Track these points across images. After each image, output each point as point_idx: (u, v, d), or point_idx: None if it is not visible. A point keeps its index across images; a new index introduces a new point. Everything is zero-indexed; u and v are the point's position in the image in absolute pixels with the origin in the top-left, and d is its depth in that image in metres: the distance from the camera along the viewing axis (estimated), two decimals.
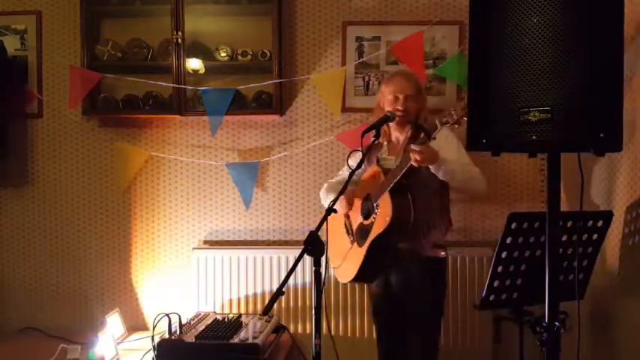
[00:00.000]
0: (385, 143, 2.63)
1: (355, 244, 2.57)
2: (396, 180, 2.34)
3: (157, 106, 3.17)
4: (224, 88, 3.11)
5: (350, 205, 2.60)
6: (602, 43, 1.45)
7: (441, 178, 2.36)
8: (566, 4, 1.47)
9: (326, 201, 2.72)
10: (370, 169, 2.57)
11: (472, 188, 2.46)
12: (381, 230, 2.38)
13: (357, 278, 2.57)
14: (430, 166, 2.30)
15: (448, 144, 2.44)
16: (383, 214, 2.40)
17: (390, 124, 2.56)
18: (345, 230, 2.66)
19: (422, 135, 2.22)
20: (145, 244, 3.32)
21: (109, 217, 3.33)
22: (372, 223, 2.47)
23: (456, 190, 2.48)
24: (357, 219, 2.60)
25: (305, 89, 3.26)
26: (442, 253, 2.50)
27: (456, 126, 2.14)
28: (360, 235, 2.55)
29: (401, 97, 2.49)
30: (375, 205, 2.47)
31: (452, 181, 2.39)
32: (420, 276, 2.45)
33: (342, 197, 2.51)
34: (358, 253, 2.52)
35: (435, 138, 2.20)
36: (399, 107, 2.47)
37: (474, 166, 2.45)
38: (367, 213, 2.54)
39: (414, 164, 2.24)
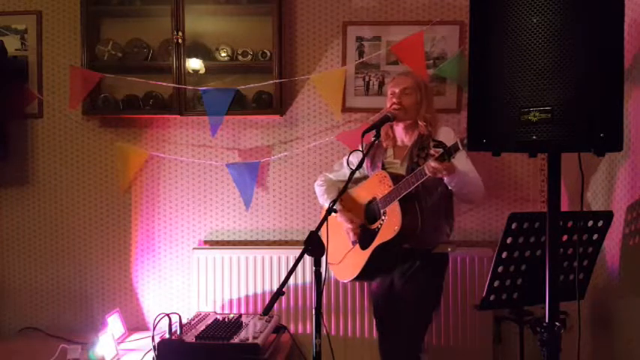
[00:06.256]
0: (391, 147, 2.62)
1: (357, 245, 2.57)
2: (408, 191, 2.34)
3: (157, 106, 3.17)
4: (224, 88, 3.11)
5: (352, 219, 2.60)
6: (602, 43, 1.45)
7: (450, 188, 2.37)
8: (566, 4, 1.47)
9: (323, 199, 2.76)
10: (376, 173, 2.57)
11: (473, 199, 2.51)
12: (388, 239, 2.40)
13: (357, 279, 2.60)
14: (445, 178, 2.31)
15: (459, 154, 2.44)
16: (391, 223, 2.40)
17: (395, 126, 2.56)
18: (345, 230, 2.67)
19: (441, 151, 2.20)
20: (145, 244, 3.32)
21: (109, 217, 3.33)
22: (378, 228, 2.48)
23: (457, 197, 2.50)
24: (358, 220, 2.60)
25: (305, 89, 3.26)
26: (448, 249, 2.54)
27: None
28: (362, 237, 2.55)
29: (397, 90, 2.50)
30: (382, 211, 2.47)
31: (460, 191, 2.40)
32: (420, 266, 2.48)
33: (353, 221, 2.57)
34: (360, 256, 2.52)
35: (454, 157, 2.20)
36: (395, 100, 2.49)
37: (477, 174, 2.46)
38: (373, 218, 2.54)
39: (430, 175, 2.24)
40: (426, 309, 2.51)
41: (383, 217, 2.46)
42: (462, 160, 2.39)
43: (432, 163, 2.21)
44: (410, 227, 2.37)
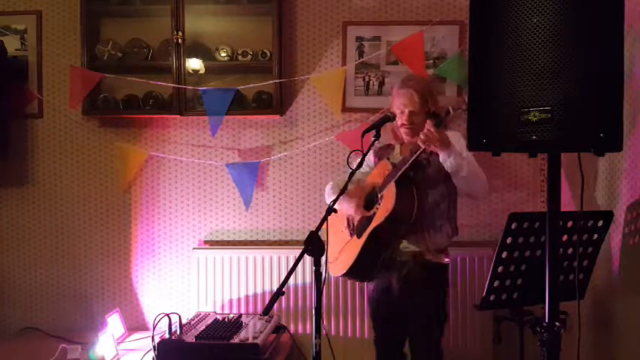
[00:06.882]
0: (398, 145, 2.62)
1: (354, 236, 2.55)
2: (404, 168, 2.32)
3: (157, 106, 3.18)
4: (224, 88, 3.11)
5: (359, 204, 2.57)
6: (602, 43, 1.45)
7: (447, 170, 2.33)
8: (566, 4, 1.47)
9: (327, 196, 2.74)
10: (379, 164, 2.57)
11: (475, 188, 2.43)
12: (382, 220, 2.36)
13: (351, 272, 2.53)
14: (440, 153, 2.28)
15: (459, 146, 2.41)
16: (385, 205, 2.38)
17: (402, 133, 2.55)
18: (345, 225, 2.64)
19: (434, 121, 2.20)
20: (145, 244, 3.32)
21: (109, 217, 3.33)
22: (374, 214, 2.46)
23: (459, 186, 2.43)
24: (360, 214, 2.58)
25: (305, 89, 3.26)
26: (446, 260, 2.48)
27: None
28: (360, 227, 2.54)
29: (406, 111, 2.49)
30: (379, 196, 2.46)
31: (457, 174, 2.34)
32: (422, 282, 2.42)
33: (353, 200, 2.53)
34: (356, 245, 2.49)
35: (446, 125, 2.18)
36: (404, 122, 2.49)
37: (475, 162, 2.42)
38: (370, 204, 2.53)
39: (421, 144, 2.22)
40: (425, 311, 2.46)
41: (380, 202, 2.44)
42: (458, 145, 2.36)
43: (425, 129, 2.19)
44: (403, 208, 2.33)
